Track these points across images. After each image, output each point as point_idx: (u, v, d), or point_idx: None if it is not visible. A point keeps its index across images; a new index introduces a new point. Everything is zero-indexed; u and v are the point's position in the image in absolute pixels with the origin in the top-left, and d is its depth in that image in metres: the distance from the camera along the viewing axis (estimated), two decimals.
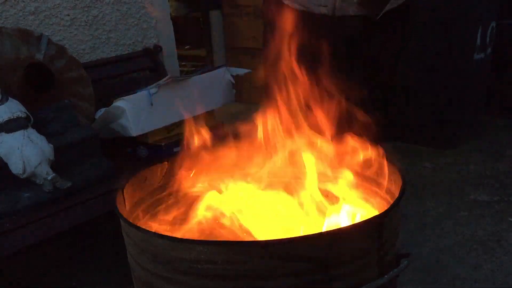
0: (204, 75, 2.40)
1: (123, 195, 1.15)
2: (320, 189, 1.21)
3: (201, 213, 1.16)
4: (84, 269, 2.15)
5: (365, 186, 1.27)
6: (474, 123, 3.55)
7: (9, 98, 1.90)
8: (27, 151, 1.78)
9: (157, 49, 2.80)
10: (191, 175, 1.27)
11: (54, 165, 1.85)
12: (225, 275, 0.90)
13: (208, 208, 1.16)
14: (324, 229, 1.14)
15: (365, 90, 1.53)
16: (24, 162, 1.77)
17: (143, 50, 2.77)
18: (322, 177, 1.23)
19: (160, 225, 1.25)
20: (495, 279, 2.00)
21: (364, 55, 1.64)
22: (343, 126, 1.22)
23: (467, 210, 2.53)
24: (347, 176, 1.21)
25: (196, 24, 4.65)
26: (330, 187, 1.23)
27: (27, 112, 1.90)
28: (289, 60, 1.26)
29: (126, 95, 2.15)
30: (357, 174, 1.24)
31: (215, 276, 0.90)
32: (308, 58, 1.39)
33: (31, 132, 1.85)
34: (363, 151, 1.19)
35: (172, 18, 3.00)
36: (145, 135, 2.19)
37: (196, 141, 1.24)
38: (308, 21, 1.47)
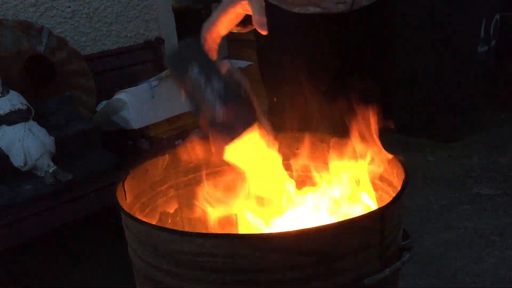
0: None
1: (124, 188, 1.15)
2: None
3: None
4: (84, 261, 2.15)
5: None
6: (477, 116, 3.54)
7: (10, 90, 1.90)
8: (28, 144, 1.77)
9: (159, 41, 2.79)
10: None
11: (55, 158, 1.85)
12: (226, 268, 0.89)
13: None
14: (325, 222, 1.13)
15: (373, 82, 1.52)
16: (25, 154, 1.77)
17: (144, 43, 2.76)
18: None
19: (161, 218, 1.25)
20: (497, 273, 1.99)
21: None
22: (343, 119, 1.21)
23: (470, 204, 2.52)
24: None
25: (198, 16, 4.63)
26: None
27: (28, 104, 1.90)
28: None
29: (128, 87, 2.14)
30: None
31: (216, 269, 0.89)
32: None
33: (32, 125, 1.85)
34: (364, 144, 1.18)
35: (173, 10, 2.99)
36: (146, 128, 2.18)
37: None
38: (319, 24, 1.44)
